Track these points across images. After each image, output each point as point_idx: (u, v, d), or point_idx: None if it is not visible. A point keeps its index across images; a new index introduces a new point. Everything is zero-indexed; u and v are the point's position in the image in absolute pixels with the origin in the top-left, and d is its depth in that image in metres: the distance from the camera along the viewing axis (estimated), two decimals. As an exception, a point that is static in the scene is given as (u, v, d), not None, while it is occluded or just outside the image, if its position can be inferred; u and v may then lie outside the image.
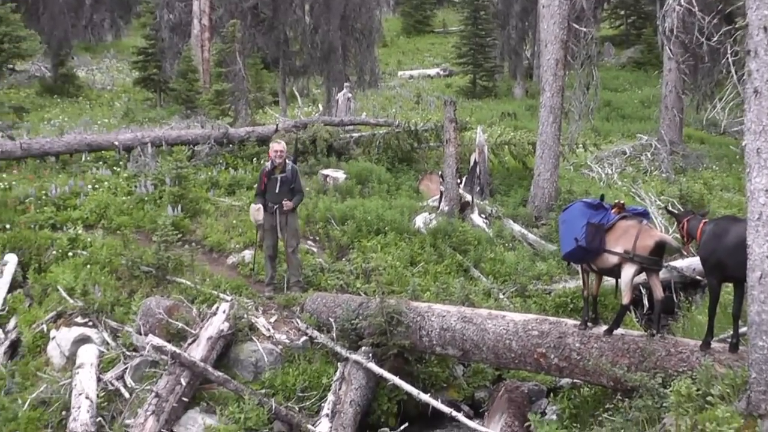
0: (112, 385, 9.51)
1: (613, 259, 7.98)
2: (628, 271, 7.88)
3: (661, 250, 7.89)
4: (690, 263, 12.84)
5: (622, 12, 46.81)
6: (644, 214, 8.32)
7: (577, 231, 8.08)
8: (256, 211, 11.83)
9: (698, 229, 7.60)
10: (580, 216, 8.18)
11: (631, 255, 7.78)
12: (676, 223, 8.39)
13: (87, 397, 8.90)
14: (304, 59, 29.01)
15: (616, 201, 8.44)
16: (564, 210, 8.91)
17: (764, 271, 6.09)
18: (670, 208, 8.52)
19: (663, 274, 10.81)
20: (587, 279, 8.72)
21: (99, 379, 9.49)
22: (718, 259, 7.16)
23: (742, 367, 6.70)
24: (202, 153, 17.58)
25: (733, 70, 8.72)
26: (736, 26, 8.50)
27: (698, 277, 12.88)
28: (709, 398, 6.48)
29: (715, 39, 9.99)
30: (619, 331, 8.43)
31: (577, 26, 16.41)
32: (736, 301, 7.21)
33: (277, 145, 12.00)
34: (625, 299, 8.04)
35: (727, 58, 8.96)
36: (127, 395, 9.34)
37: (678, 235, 8.39)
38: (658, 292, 8.06)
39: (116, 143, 17.00)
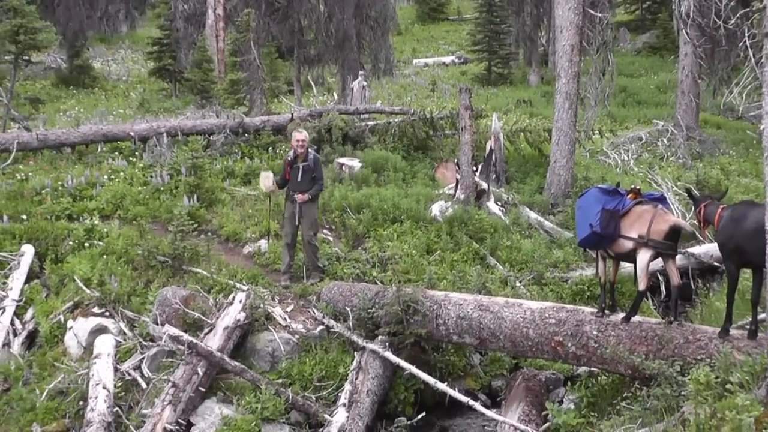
0: (129, 375, 9.56)
1: (629, 245, 7.94)
2: (643, 256, 7.83)
3: (676, 234, 7.86)
4: (707, 249, 12.79)
5: (638, -3, 46.54)
6: (661, 200, 8.23)
7: (592, 217, 8.08)
8: (266, 178, 12.06)
9: (716, 214, 7.55)
10: (595, 202, 8.17)
11: (646, 240, 7.75)
12: (693, 208, 8.32)
13: (104, 387, 8.93)
14: (319, 48, 28.95)
15: (632, 186, 8.38)
16: (580, 196, 8.82)
17: (782, 258, 6.03)
18: (693, 192, 8.34)
19: (680, 260, 10.75)
20: (604, 266, 8.65)
21: (116, 369, 9.53)
22: (737, 244, 7.11)
23: (761, 354, 6.64)
24: (218, 143, 17.60)
25: (750, 54, 8.59)
26: (753, 9, 8.37)
27: (716, 264, 12.85)
28: (728, 386, 6.40)
29: (732, 22, 9.84)
30: (637, 318, 8.39)
31: (592, 12, 16.30)
32: (755, 287, 7.18)
33: (299, 134, 12.00)
34: (642, 285, 7.97)
35: (745, 41, 8.82)
36: (144, 385, 9.39)
37: (695, 221, 8.27)
38: (675, 279, 8.02)
39: (132, 134, 17.03)
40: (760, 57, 6.67)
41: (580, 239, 8.54)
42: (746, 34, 9.13)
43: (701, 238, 9.23)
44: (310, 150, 12.02)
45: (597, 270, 8.78)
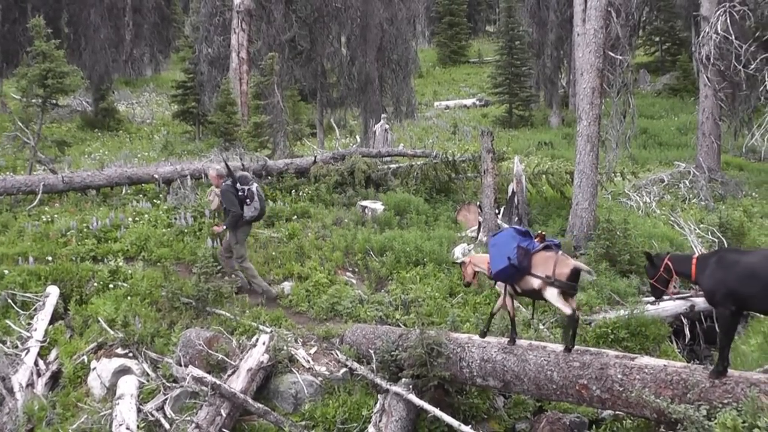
0: (152, 415, 9.54)
1: (536, 283, 8.84)
2: (550, 292, 8.73)
3: (576, 276, 8.74)
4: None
5: (657, 39, 46.81)
6: (558, 245, 9.19)
7: (510, 252, 8.93)
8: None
9: (691, 264, 7.91)
10: (512, 239, 9.07)
11: (552, 280, 8.65)
12: (651, 267, 8.45)
13: (127, 428, 8.95)
14: (341, 91, 29.29)
15: (539, 232, 9.40)
16: (494, 235, 9.72)
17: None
18: (649, 253, 8.72)
19: (704, 304, 10.70)
20: (511, 300, 9.54)
21: (139, 410, 9.55)
22: (730, 289, 7.36)
23: (788, 398, 6.58)
24: (241, 185, 17.71)
25: (772, 97, 8.63)
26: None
27: None
28: (755, 430, 6.35)
29: (753, 66, 9.90)
30: (662, 362, 8.33)
31: (612, 54, 16.37)
32: None
33: (209, 172, 13.45)
34: (567, 310, 8.67)
35: (765, 86, 8.86)
36: (167, 426, 9.38)
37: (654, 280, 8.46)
38: (567, 310, 8.69)
39: (156, 176, 17.22)
40: (781, 100, 6.69)
41: (495, 271, 9.23)
42: (767, 78, 9.16)
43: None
44: (224, 183, 12.67)
45: (505, 303, 9.57)
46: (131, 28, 43.28)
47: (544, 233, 9.28)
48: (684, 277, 8.22)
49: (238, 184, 12.50)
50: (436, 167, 18.66)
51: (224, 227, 12.76)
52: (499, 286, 9.74)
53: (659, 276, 8.28)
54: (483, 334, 9.65)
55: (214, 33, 31.70)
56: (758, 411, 6.66)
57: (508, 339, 9.47)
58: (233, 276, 12.96)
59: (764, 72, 8.92)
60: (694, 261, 7.93)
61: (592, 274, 9.48)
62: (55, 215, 15.31)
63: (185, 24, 44.28)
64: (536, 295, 9.06)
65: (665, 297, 12.33)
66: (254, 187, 12.63)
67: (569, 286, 8.71)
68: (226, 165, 13.34)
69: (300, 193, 17.81)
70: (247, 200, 12.44)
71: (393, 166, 19.54)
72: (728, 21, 11.07)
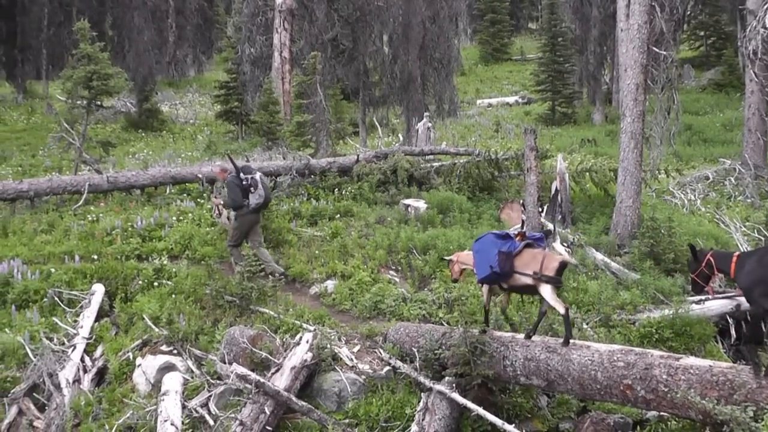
0: (197, 412, 9.65)
1: (526, 280, 9.29)
2: (545, 289, 9.13)
3: (563, 269, 9.26)
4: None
5: (702, 33, 46.15)
6: (541, 239, 9.79)
7: (492, 259, 9.41)
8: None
9: (731, 261, 8.04)
10: (492, 246, 9.52)
11: (540, 276, 9.08)
12: (694, 261, 8.56)
13: (172, 424, 9.05)
14: (384, 89, 29.32)
15: (519, 231, 10.03)
16: (476, 241, 10.06)
17: None
18: (695, 247, 8.80)
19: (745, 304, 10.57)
20: (489, 296, 10.26)
21: (184, 406, 9.66)
22: None
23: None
24: (284, 184, 17.85)
25: (818, 93, 8.50)
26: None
27: None
28: (803, 432, 6.27)
29: (800, 61, 9.76)
30: (707, 362, 8.24)
31: (656, 49, 16.17)
32: None
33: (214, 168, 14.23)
34: (561, 309, 9.10)
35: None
36: (211, 422, 9.47)
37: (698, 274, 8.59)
38: (561, 309, 9.13)
39: (199, 176, 17.42)
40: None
41: (480, 277, 9.74)
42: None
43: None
44: (228, 176, 13.24)
45: (486, 299, 10.25)
46: (174, 30, 43.89)
47: (523, 231, 10.00)
48: (724, 274, 8.34)
49: (241, 174, 12.98)
50: (478, 165, 18.60)
51: (221, 202, 13.68)
52: (482, 287, 10.28)
53: (700, 271, 8.39)
54: (528, 336, 9.66)
55: (257, 33, 31.94)
56: (806, 412, 6.57)
57: (479, 330, 9.94)
58: (269, 271, 13.21)
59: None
60: (734, 258, 8.00)
61: (577, 265, 10.40)
62: (101, 214, 15.56)
63: (228, 25, 44.68)
64: (529, 290, 9.59)
65: (710, 296, 12.33)
66: (257, 176, 13.11)
67: (557, 280, 9.17)
68: (230, 158, 13.85)
69: (343, 192, 17.88)
70: (252, 189, 12.94)
71: (436, 164, 19.52)
72: (774, 15, 10.94)
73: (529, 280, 9.27)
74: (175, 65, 46.33)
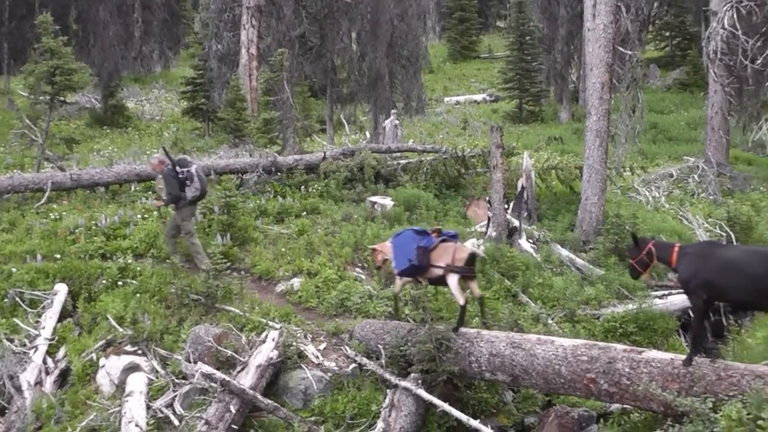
0: (162, 412, 9.57)
1: (439, 272, 10.02)
2: (452, 279, 9.90)
3: (473, 260, 10.10)
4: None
5: (667, 34, 46.67)
6: (455, 236, 10.53)
7: (410, 253, 10.13)
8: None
9: (672, 252, 8.32)
10: (411, 241, 10.24)
11: (452, 267, 9.83)
12: (634, 248, 8.79)
13: (136, 425, 8.97)
14: (351, 87, 29.31)
15: (435, 228, 10.73)
16: (395, 236, 10.85)
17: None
18: (636, 235, 9.13)
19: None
20: (401, 286, 11.00)
21: (148, 407, 9.57)
22: (706, 280, 7.80)
23: (794, 390, 6.61)
24: (251, 181, 17.75)
25: (778, 92, 8.68)
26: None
27: None
28: (760, 422, 6.43)
29: (759, 61, 9.91)
30: (669, 355, 8.46)
31: (622, 49, 16.35)
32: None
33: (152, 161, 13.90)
34: (461, 300, 9.91)
35: (772, 81, 8.91)
36: (176, 423, 9.39)
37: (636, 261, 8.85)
38: (461, 300, 9.96)
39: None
40: (787, 96, 6.74)
41: (399, 270, 10.52)
42: (773, 74, 9.21)
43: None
44: (165, 168, 13.14)
45: (398, 287, 11.08)
46: (140, 25, 43.47)
47: (440, 228, 10.66)
48: (664, 264, 8.59)
49: (177, 167, 12.98)
50: (445, 163, 18.67)
51: (162, 203, 13.36)
52: (398, 278, 10.93)
53: (640, 258, 8.65)
54: (397, 317, 11.02)
55: (224, 29, 31.73)
56: (763, 403, 6.76)
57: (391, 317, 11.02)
58: (174, 256, 13.24)
59: (771, 66, 9.00)
60: (675, 249, 8.31)
61: (484, 255, 11.34)
62: (64, 213, 15.35)
63: (195, 20, 44.26)
64: (441, 282, 10.26)
65: (673, 291, 12.52)
66: (194, 168, 13.14)
67: (468, 270, 9.98)
68: (165, 151, 13.87)
69: (309, 189, 17.83)
70: (188, 182, 12.96)
71: (403, 161, 19.55)
72: (735, 16, 11.07)
73: (440, 272, 10.01)
74: (141, 61, 45.88)
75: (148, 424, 9.23)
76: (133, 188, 17.17)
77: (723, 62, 14.85)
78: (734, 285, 7.64)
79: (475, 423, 8.99)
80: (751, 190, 21.83)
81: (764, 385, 7.17)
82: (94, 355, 10.83)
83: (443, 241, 10.23)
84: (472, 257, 10.07)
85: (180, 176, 12.93)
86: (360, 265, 14.20)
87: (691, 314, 12.51)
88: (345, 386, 10.20)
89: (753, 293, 7.58)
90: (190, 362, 10.20)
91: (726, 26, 11.14)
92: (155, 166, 13.55)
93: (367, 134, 29.61)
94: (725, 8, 11.59)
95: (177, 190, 12.93)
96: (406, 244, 10.27)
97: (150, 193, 15.76)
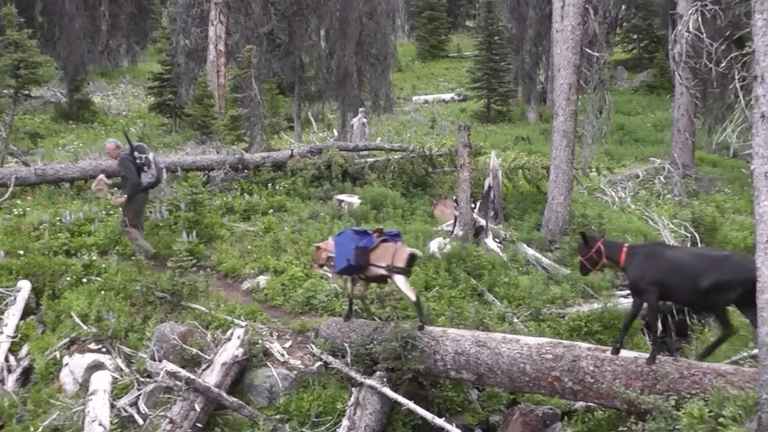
0: (126, 411, 9.48)
1: (380, 271, 10.16)
2: (399, 279, 9.99)
3: (413, 260, 10.21)
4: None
5: (635, 36, 47.09)
6: (397, 235, 10.64)
7: (349, 253, 10.19)
8: (97, 183, 13.92)
9: (620, 252, 8.67)
10: (351, 241, 10.31)
11: (392, 267, 9.94)
12: (584, 246, 9.15)
13: (100, 424, 8.87)
14: (320, 84, 29.24)
15: (376, 228, 10.85)
16: (337, 236, 10.89)
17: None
18: (586, 233, 9.52)
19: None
20: (352, 286, 10.91)
21: (112, 406, 9.47)
22: (655, 279, 8.17)
23: (753, 388, 6.72)
24: (217, 178, 17.70)
25: (741, 95, 8.85)
26: (744, 52, 8.62)
27: None
28: (721, 420, 6.53)
29: (723, 65, 10.08)
30: (632, 354, 8.57)
31: (589, 51, 16.45)
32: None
33: (107, 145, 13.84)
34: (412, 297, 10.05)
35: (735, 84, 9.07)
36: (140, 421, 9.31)
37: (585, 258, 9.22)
38: (413, 297, 10.09)
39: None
40: (749, 99, 6.85)
41: (339, 269, 10.57)
42: (737, 77, 9.35)
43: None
44: (121, 153, 13.22)
45: (349, 288, 10.99)
46: (107, 19, 42.99)
47: (381, 228, 10.81)
48: (612, 262, 8.85)
49: (135, 153, 13.00)
50: (413, 161, 18.71)
51: (125, 197, 13.09)
52: (345, 278, 11.08)
53: (589, 256, 8.96)
54: (347, 317, 11.00)
55: (192, 24, 31.55)
56: (724, 401, 6.86)
57: (344, 317, 11.03)
58: (143, 249, 13.16)
59: (734, 70, 9.11)
60: (624, 249, 8.64)
61: (421, 256, 11.47)
62: (28, 208, 15.19)
63: (162, 15, 43.90)
64: (382, 280, 10.58)
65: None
66: (151, 155, 13.22)
67: (406, 271, 10.08)
68: (126, 135, 14.00)
69: (276, 187, 17.80)
70: (145, 167, 13.00)
71: (370, 160, 19.57)
72: (700, 20, 11.25)
73: (383, 272, 10.15)
74: (108, 55, 45.36)
75: (111, 423, 9.13)
76: (98, 184, 16.99)
77: (688, 65, 15.05)
78: (680, 285, 8.02)
79: (440, 421, 9.02)
80: (716, 191, 22.10)
81: (726, 384, 7.29)
82: (57, 353, 10.72)
83: (384, 241, 10.38)
84: (412, 258, 10.21)
85: (137, 162, 12.93)
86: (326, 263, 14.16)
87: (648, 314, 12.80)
88: (310, 384, 10.17)
89: (696, 294, 7.91)
90: (154, 360, 10.14)
91: (691, 29, 11.29)
92: (110, 150, 13.52)
93: (335, 132, 29.59)
94: (690, 12, 11.77)
95: (135, 176, 12.92)
96: (345, 244, 10.41)
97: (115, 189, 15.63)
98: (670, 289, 8.21)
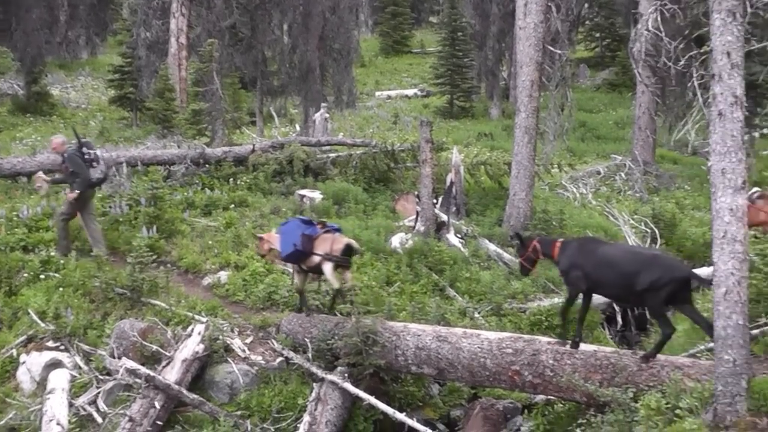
0: (84, 410, 9.38)
1: (317, 259, 10.55)
2: (327, 266, 10.49)
3: (349, 250, 10.68)
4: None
5: (597, 35, 47.38)
6: (338, 229, 11.13)
7: (296, 239, 10.55)
8: (36, 179, 13.97)
9: (554, 246, 8.97)
10: (297, 229, 10.72)
11: (329, 256, 10.43)
12: (521, 246, 9.43)
13: (58, 423, 8.78)
14: (282, 79, 29.15)
15: (320, 220, 11.60)
16: (283, 224, 11.29)
17: (729, 287, 6.30)
18: (520, 233, 10.03)
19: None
20: (300, 278, 11.16)
21: (71, 405, 9.37)
22: (585, 272, 8.46)
23: (710, 380, 6.84)
24: (178, 173, 17.54)
25: (699, 93, 9.01)
26: (701, 51, 8.78)
27: None
28: (677, 411, 6.66)
29: (682, 63, 10.24)
30: (592, 347, 8.74)
31: (552, 48, 16.60)
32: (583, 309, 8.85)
33: (53, 140, 13.53)
34: (335, 285, 10.68)
35: (694, 82, 9.23)
36: (99, 420, 9.23)
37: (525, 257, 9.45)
38: (335, 284, 10.67)
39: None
40: (707, 97, 6.95)
41: (284, 255, 10.89)
42: (695, 75, 9.49)
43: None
44: (69, 149, 13.08)
45: (295, 281, 11.28)
46: (66, 9, 42.26)
47: (324, 221, 11.36)
48: (548, 258, 9.11)
49: (84, 149, 12.91)
50: (375, 157, 18.71)
51: (77, 192, 12.87)
52: (289, 266, 11.63)
53: (527, 256, 9.21)
54: (299, 310, 11.29)
55: (153, 17, 31.24)
56: (681, 393, 6.98)
57: (304, 311, 11.20)
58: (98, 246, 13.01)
59: (693, 68, 9.26)
60: (557, 244, 8.95)
61: (359, 250, 11.77)
62: (-17, 203, 14.93)
63: (123, 6, 43.46)
64: (319, 270, 10.75)
65: None
66: (99, 152, 13.30)
67: (343, 260, 10.57)
68: (74, 131, 13.79)
69: (238, 182, 17.68)
70: (94, 163, 12.91)
71: (332, 155, 19.53)
72: (659, 18, 11.42)
73: (317, 260, 10.60)
74: (67, 46, 44.63)
75: (70, 422, 9.04)
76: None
77: (647, 63, 15.26)
78: (607, 280, 8.31)
79: (401, 416, 9.05)
80: (676, 188, 22.41)
81: (683, 377, 7.43)
82: (14, 351, 10.55)
83: (326, 232, 10.82)
84: (349, 248, 10.67)
85: (86, 158, 12.82)
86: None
87: (616, 307, 12.94)
88: (271, 380, 10.17)
89: (625, 290, 8.16)
90: (114, 358, 10.08)
91: (650, 28, 11.43)
92: (57, 146, 13.29)
93: (297, 127, 29.50)
94: (650, 11, 11.94)
95: (87, 172, 12.81)
96: (293, 231, 10.73)
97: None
98: (598, 284, 8.48)
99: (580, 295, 8.79)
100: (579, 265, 8.53)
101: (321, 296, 12.20)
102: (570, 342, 8.64)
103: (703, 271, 13.39)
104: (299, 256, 10.69)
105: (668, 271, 7.85)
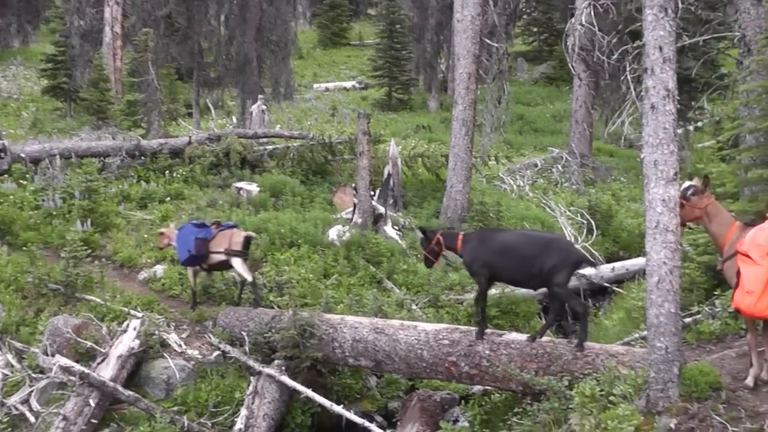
0: (17, 409, 9.24)
1: (219, 257, 11.03)
2: (236, 261, 10.96)
3: (248, 243, 11.29)
4: (597, 272, 13.33)
5: (535, 29, 47.83)
6: (234, 226, 11.64)
7: (189, 244, 10.96)
8: None
9: (457, 239, 9.06)
10: (190, 234, 11.08)
11: (230, 250, 10.89)
12: (425, 239, 9.49)
13: (-11, 423, 8.64)
14: (219, 70, 28.82)
15: (214, 220, 11.98)
16: (179, 229, 11.51)
17: (661, 276, 6.41)
18: (424, 227, 10.42)
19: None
20: (195, 278, 11.63)
21: (2, 404, 9.24)
22: (486, 261, 8.66)
23: (643, 367, 6.98)
24: (113, 165, 17.29)
25: (632, 87, 9.22)
26: (635, 45, 8.98)
27: (605, 284, 13.86)
28: (611, 398, 6.77)
29: (615, 57, 10.46)
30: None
31: (489, 41, 16.77)
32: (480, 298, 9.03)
33: None
34: (249, 277, 11.05)
35: (627, 76, 9.44)
36: (32, 420, 9.07)
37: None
38: (249, 277, 11.07)
39: (23, 155, 16.50)
40: (640, 90, 7.09)
41: (182, 260, 11.38)
42: (628, 69, 9.70)
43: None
44: None
45: (192, 281, 11.67)
46: (-4, -4, 41.28)
47: (219, 221, 11.78)
48: (451, 251, 9.24)
49: None
50: (312, 149, 18.70)
51: None
52: (190, 271, 11.70)
53: (431, 248, 9.30)
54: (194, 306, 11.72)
55: (87, 4, 30.63)
56: (615, 380, 7.10)
57: (191, 306, 11.73)
58: None
59: (626, 62, 9.49)
60: (459, 237, 9.07)
61: (256, 238, 12.39)
62: None
63: (56, -7, 42.48)
64: (224, 266, 11.33)
65: None
66: (6, 142, 13.48)
67: (243, 253, 11.02)
68: None
69: (174, 174, 17.52)
70: (2, 154, 13.08)
71: (269, 147, 19.47)
72: (592, 13, 11.66)
73: (222, 257, 11.02)
74: (-3, 34, 43.63)
75: (1, 422, 8.92)
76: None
77: (581, 57, 15.55)
78: (507, 265, 8.53)
79: (338, 408, 9.11)
80: (612, 180, 22.86)
81: (617, 364, 7.57)
82: (-58, 349, 10.32)
83: (222, 230, 11.25)
84: (248, 240, 11.22)
85: None
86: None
87: (550, 299, 13.14)
88: (208, 374, 10.16)
89: (522, 273, 8.45)
90: (47, 355, 9.92)
91: (584, 22, 11.67)
92: None
93: (234, 119, 29.23)
94: (584, 6, 12.18)
95: None
96: (186, 236, 11.10)
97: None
98: (499, 270, 8.69)
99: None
100: (480, 256, 8.72)
101: (258, 289, 12.17)
102: (475, 331, 8.82)
103: (638, 262, 13.79)
104: (195, 259, 11.15)
105: (565, 254, 8.22)
